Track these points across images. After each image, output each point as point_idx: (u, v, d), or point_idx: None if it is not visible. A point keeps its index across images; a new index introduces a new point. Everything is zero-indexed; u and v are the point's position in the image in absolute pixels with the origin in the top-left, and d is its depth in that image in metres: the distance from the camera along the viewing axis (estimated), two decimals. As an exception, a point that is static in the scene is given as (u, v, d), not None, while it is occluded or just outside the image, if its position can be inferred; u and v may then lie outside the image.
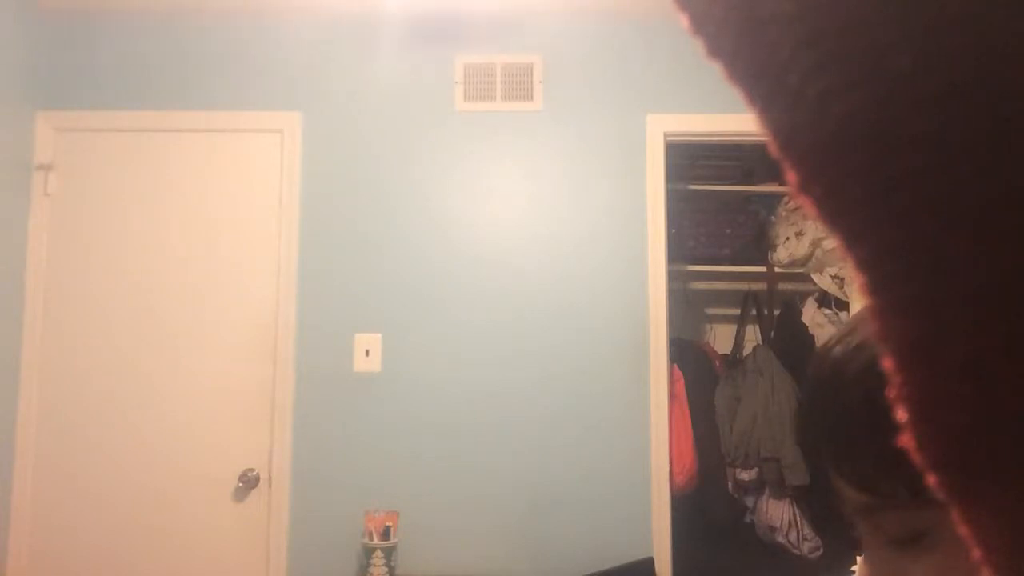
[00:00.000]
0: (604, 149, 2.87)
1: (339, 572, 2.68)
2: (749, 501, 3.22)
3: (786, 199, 3.36)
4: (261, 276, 2.81)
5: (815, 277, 3.29)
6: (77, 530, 2.71)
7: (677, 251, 3.22)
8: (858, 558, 0.49)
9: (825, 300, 3.33)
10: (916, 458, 0.18)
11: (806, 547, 3.09)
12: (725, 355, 3.47)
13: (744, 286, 3.50)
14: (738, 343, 3.52)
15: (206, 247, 2.82)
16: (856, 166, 0.17)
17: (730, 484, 3.18)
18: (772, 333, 3.46)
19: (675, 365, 3.04)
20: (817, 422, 0.46)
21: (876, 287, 0.18)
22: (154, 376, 2.77)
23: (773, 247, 3.38)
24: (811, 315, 3.35)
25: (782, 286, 3.49)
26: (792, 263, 3.33)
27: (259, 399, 2.76)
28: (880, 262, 0.18)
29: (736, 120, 2.71)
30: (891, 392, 0.18)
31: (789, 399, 3.09)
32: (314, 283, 2.81)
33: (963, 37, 0.16)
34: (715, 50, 0.19)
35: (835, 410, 0.44)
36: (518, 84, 2.88)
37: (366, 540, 2.61)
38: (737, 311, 3.54)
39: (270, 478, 2.73)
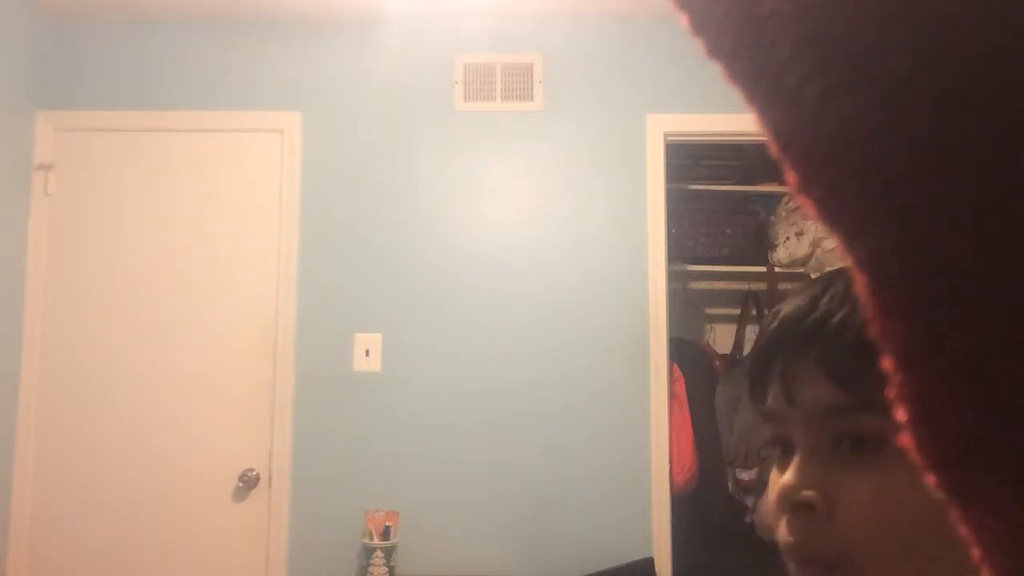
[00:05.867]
0: (604, 149, 2.87)
1: (339, 572, 2.68)
2: (749, 501, 3.22)
3: (786, 199, 3.36)
4: (261, 276, 2.81)
5: (815, 277, 3.29)
6: (77, 530, 2.71)
7: (677, 251, 3.22)
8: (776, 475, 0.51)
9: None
10: (916, 458, 0.18)
11: (806, 547, 3.08)
12: (725, 355, 3.47)
13: (744, 286, 3.49)
14: (738, 343, 3.51)
15: (206, 247, 2.82)
16: (856, 166, 0.17)
17: (730, 484, 3.18)
18: (772, 333, 3.46)
19: (675, 365, 3.04)
20: (808, 329, 0.48)
21: (876, 287, 0.18)
22: (154, 376, 2.77)
23: (773, 247, 3.38)
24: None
25: (782, 286, 3.48)
26: (792, 263, 3.33)
27: (259, 399, 2.76)
28: (880, 262, 0.18)
29: (736, 120, 2.71)
30: (891, 392, 0.18)
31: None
32: (314, 283, 2.81)
33: (963, 37, 0.16)
34: (715, 50, 0.19)
35: (824, 316, 0.47)
36: (518, 84, 2.88)
37: (366, 540, 2.61)
38: (737, 311, 3.54)
39: (270, 478, 2.73)
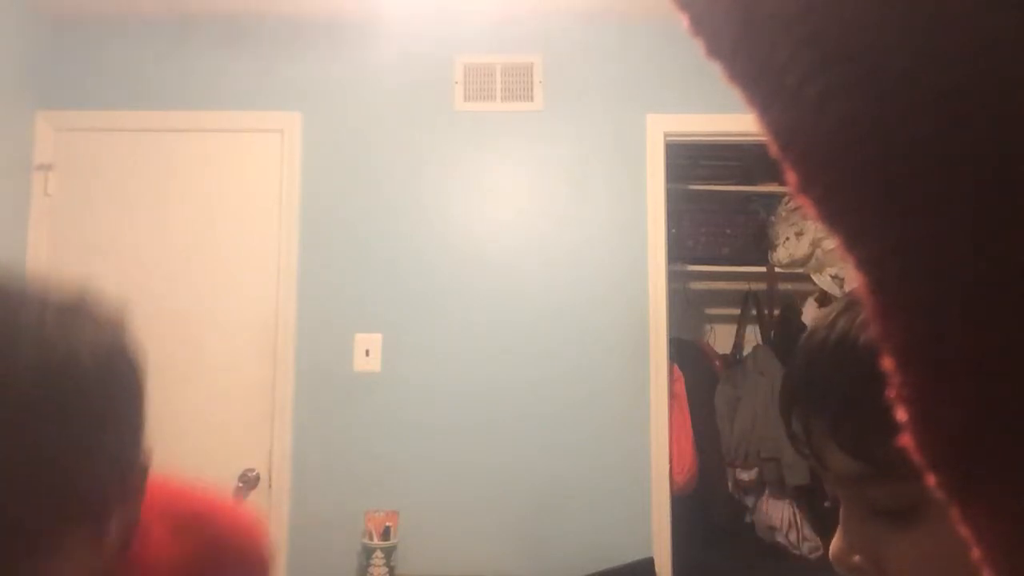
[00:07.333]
0: (604, 149, 2.87)
1: (339, 572, 2.68)
2: (749, 501, 3.22)
3: (786, 199, 3.36)
4: (261, 276, 2.81)
5: (815, 277, 3.29)
6: (77, 530, 2.71)
7: (677, 251, 3.22)
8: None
9: (825, 300, 3.32)
10: (916, 458, 0.18)
11: (806, 547, 3.08)
12: (725, 355, 3.47)
13: (744, 286, 3.49)
14: (738, 343, 3.51)
15: (206, 247, 2.82)
16: (856, 166, 0.17)
17: (730, 484, 3.18)
18: (772, 333, 3.46)
19: (675, 365, 3.04)
20: (818, 388, 0.46)
21: (876, 287, 0.18)
22: (154, 376, 2.76)
23: (773, 247, 3.38)
24: (811, 315, 3.34)
25: (782, 286, 3.48)
26: (792, 263, 3.33)
27: (259, 399, 2.76)
28: (880, 262, 0.18)
29: (736, 120, 2.71)
30: (891, 392, 0.18)
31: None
32: (314, 283, 2.81)
33: (962, 38, 0.16)
34: (715, 50, 0.19)
35: (842, 376, 0.44)
36: (518, 84, 2.88)
37: (366, 540, 2.61)
38: (737, 311, 3.54)
39: (270, 478, 2.73)
